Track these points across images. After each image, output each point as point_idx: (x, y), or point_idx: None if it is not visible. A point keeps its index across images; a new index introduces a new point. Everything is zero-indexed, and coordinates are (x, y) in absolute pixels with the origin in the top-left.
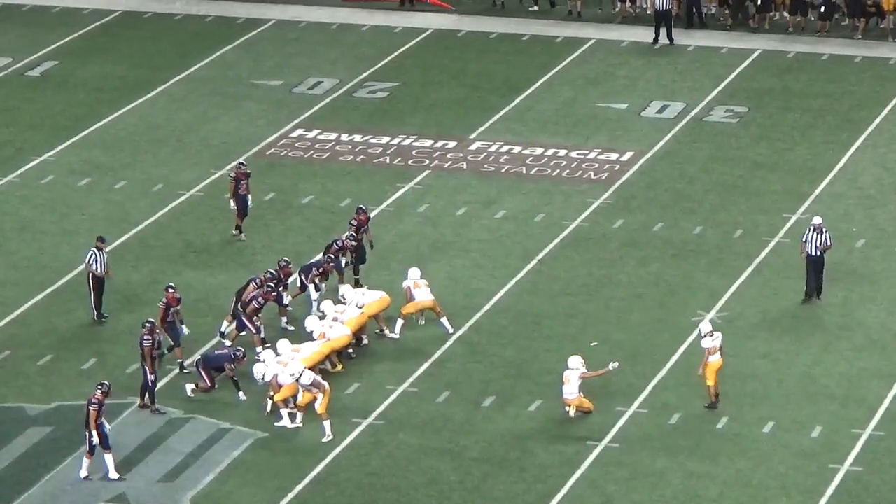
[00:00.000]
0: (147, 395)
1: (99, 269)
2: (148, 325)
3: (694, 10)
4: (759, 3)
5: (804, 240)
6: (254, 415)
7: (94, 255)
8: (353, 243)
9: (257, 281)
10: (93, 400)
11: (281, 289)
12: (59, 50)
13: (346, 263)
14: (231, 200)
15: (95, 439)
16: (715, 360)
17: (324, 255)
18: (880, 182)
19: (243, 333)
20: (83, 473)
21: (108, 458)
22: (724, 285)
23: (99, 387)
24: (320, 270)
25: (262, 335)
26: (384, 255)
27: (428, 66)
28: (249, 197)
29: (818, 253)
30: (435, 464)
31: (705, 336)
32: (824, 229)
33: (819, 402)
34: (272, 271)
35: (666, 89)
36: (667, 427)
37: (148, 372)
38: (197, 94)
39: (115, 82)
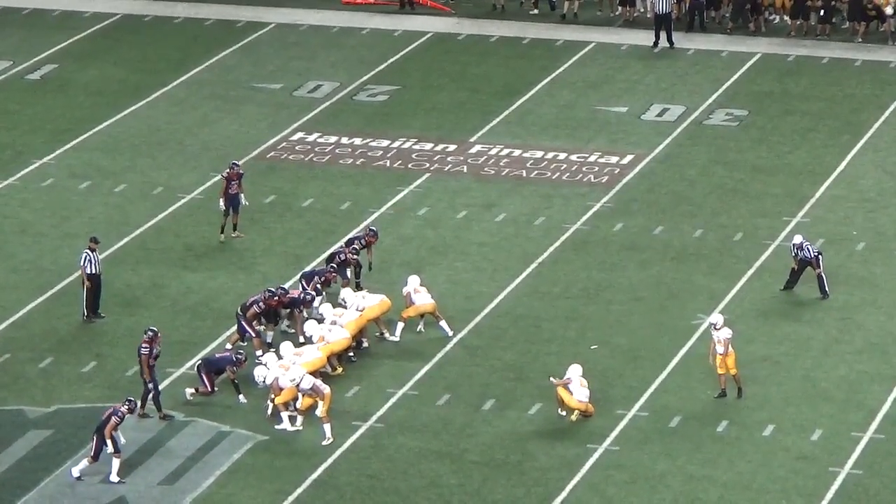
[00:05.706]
0: (153, 403)
1: (92, 270)
2: (150, 333)
3: (696, 14)
4: (748, 6)
5: (793, 255)
6: (254, 418)
7: (87, 257)
8: (356, 257)
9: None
10: (119, 411)
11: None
12: (59, 53)
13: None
14: (221, 200)
15: (110, 447)
16: (720, 352)
17: (326, 265)
18: (880, 185)
19: (246, 336)
20: (76, 473)
21: (116, 462)
22: (725, 288)
23: (127, 402)
24: (322, 279)
25: (269, 339)
26: (384, 258)
27: (428, 69)
28: (242, 196)
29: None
30: (435, 467)
31: (720, 328)
32: (805, 244)
33: (819, 406)
34: (284, 287)
35: (666, 93)
36: (667, 430)
37: (147, 381)
38: (197, 98)
39: (115, 85)
